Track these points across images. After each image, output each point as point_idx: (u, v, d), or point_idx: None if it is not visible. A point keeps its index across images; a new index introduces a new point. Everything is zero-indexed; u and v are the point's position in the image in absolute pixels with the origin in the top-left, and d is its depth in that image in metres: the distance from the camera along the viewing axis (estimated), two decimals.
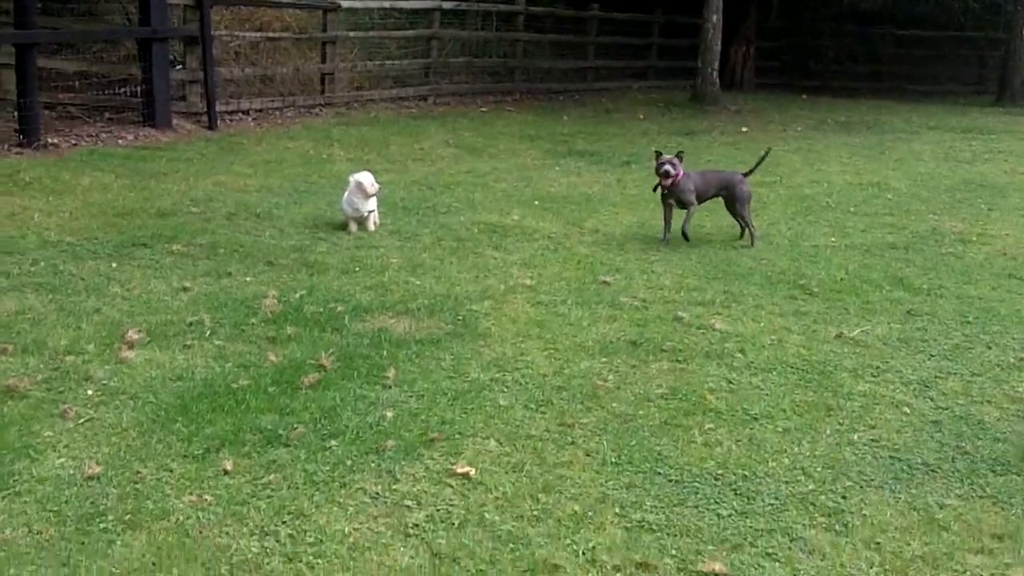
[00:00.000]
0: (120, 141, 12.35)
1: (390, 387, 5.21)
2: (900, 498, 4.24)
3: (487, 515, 3.96)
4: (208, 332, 5.89)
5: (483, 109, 18.38)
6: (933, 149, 15.08)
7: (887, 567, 3.73)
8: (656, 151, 8.63)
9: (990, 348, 6.21)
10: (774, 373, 5.63)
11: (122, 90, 13.82)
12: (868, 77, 26.48)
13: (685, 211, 8.56)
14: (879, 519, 4.06)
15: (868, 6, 25.85)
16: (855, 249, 8.58)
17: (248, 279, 7.04)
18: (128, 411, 4.77)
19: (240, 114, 15.04)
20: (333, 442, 4.50)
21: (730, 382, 5.47)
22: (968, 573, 3.72)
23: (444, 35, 18.73)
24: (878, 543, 3.88)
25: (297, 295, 6.68)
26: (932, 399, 5.36)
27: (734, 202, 8.64)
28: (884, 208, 10.43)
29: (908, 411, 5.16)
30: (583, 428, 4.80)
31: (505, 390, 5.24)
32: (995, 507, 4.21)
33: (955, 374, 5.74)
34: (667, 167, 8.38)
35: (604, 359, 5.75)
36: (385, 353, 5.68)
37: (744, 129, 17.23)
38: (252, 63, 15.99)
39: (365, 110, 16.75)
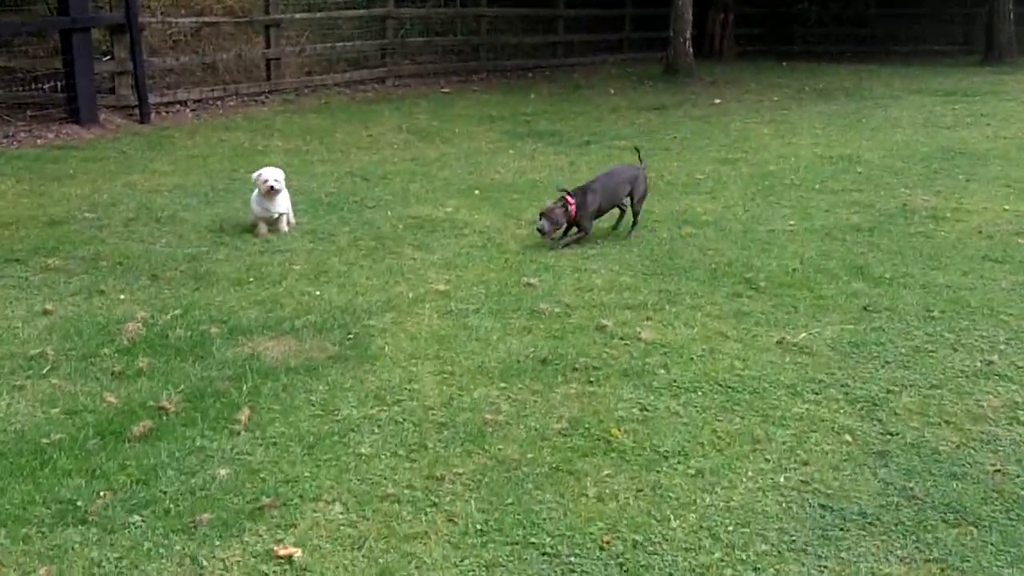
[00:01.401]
0: (39, 141, 11.51)
1: (238, 434, 4.40)
2: (826, 567, 3.43)
3: None
4: (47, 368, 5.09)
5: (445, 90, 17.52)
6: (912, 115, 14.21)
7: None
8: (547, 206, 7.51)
9: (955, 350, 5.39)
10: (698, 394, 4.82)
11: (47, 85, 12.95)
12: (852, 40, 25.51)
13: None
14: None
15: None
16: (814, 233, 7.75)
17: (122, 297, 6.24)
18: None
19: (178, 105, 14.21)
20: (138, 516, 3.70)
21: (644, 408, 4.65)
22: None
23: (401, 14, 17.83)
24: None
25: (169, 316, 5.87)
26: (880, 421, 4.54)
27: (635, 197, 7.81)
28: (853, 183, 9.58)
29: (850, 440, 4.35)
30: (454, 482, 3.99)
31: (375, 432, 4.43)
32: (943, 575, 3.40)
33: (911, 386, 4.92)
34: (543, 224, 7.33)
35: (504, 384, 4.94)
36: (246, 388, 4.87)
37: (717, 101, 16.37)
38: (194, 51, 15.11)
39: (316, 96, 15.90)
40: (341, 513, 3.75)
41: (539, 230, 7.33)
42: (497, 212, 8.54)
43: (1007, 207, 8.55)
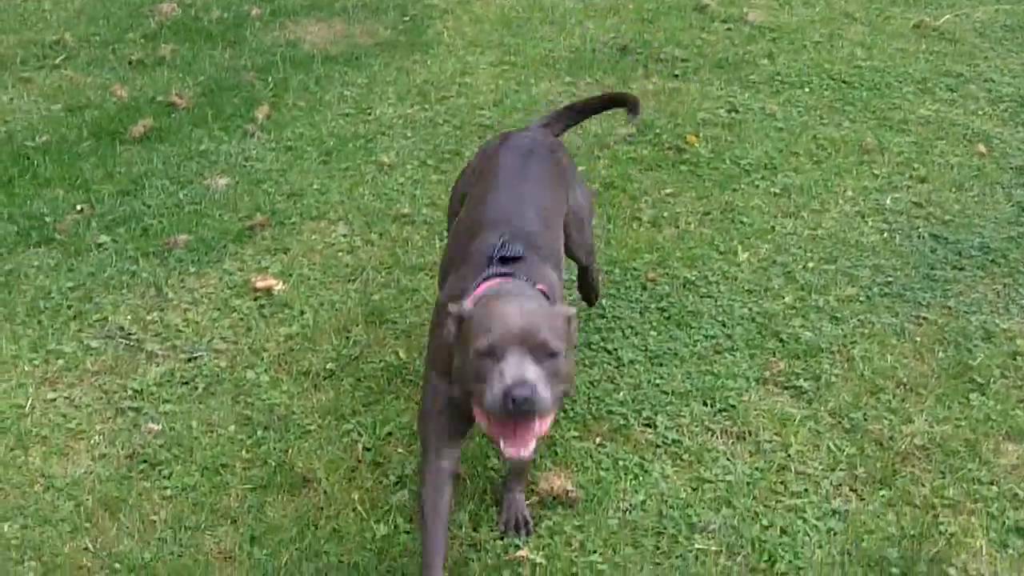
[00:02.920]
0: None
1: (251, 135, 3.79)
2: (925, 319, 2.69)
3: (249, 374, 2.62)
4: (62, 57, 4.51)
5: None
6: None
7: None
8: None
9: None
10: (804, 90, 3.97)
11: None
12: None
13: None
14: (883, 359, 2.55)
15: None
16: None
17: None
18: None
19: None
20: (109, 236, 3.16)
21: (734, 109, 3.84)
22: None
23: None
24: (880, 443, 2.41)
25: None
26: None
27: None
28: None
29: (984, 149, 3.49)
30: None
31: (408, 135, 3.77)
32: None
33: None
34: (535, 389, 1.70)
35: (569, 78, 4.18)
36: (274, 79, 4.22)
37: None
38: None
39: None
40: (344, 236, 3.15)
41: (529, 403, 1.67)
42: None
43: None
